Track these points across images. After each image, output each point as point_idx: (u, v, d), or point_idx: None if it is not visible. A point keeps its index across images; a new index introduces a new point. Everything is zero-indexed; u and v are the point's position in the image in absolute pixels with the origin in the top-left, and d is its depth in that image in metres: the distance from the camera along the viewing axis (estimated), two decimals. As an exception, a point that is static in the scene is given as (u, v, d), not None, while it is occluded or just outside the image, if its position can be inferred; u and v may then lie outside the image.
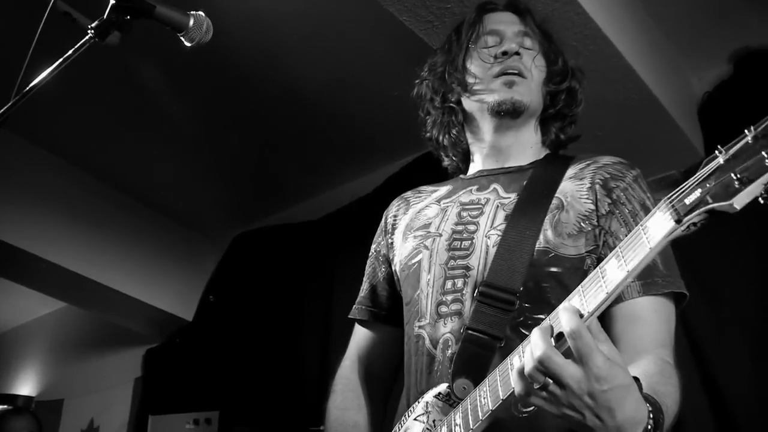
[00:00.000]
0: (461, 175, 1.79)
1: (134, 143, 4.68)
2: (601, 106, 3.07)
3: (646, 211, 1.43)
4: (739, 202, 0.89)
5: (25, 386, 7.11)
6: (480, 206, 1.59)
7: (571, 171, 1.58)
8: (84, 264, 4.87)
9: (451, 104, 1.73)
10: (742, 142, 0.90)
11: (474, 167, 1.76)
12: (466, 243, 1.52)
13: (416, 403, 1.42)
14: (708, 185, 0.92)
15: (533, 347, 1.06)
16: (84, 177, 4.99)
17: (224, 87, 4.08)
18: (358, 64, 3.79)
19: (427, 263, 1.56)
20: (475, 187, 1.66)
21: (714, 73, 3.60)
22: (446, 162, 1.84)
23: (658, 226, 0.98)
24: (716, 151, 0.92)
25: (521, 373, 1.08)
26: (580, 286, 1.10)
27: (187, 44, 1.65)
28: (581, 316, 1.04)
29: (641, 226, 1.01)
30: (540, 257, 1.43)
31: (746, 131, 0.89)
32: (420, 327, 1.53)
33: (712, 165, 0.92)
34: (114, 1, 1.56)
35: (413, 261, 1.60)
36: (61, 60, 1.57)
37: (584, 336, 1.01)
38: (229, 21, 3.36)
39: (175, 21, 1.64)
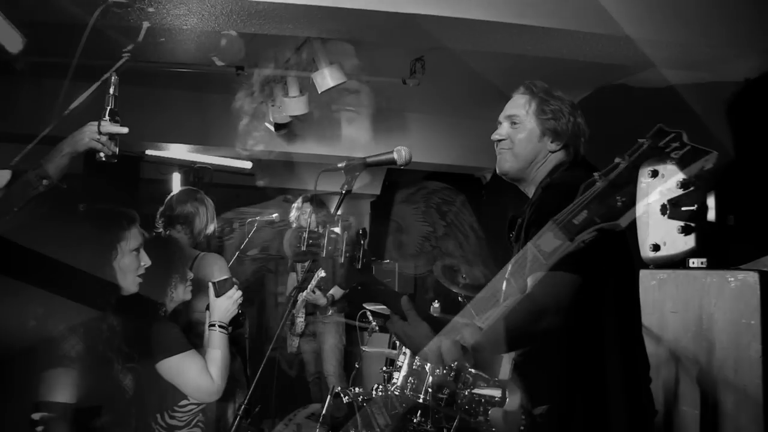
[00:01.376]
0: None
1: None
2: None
3: (474, 231, 1.61)
4: (624, 221, 0.99)
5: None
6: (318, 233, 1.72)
7: (399, 196, 1.73)
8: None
9: None
10: (618, 169, 1.01)
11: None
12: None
13: (283, 426, 1.55)
14: (593, 207, 1.02)
15: (445, 355, 1.16)
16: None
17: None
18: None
19: (273, 286, 1.72)
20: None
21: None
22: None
23: (551, 243, 1.06)
24: (595, 176, 1.03)
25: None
26: (474, 300, 1.18)
27: (219, 64, 1.69)
28: (480, 329, 1.14)
29: (533, 244, 1.09)
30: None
31: (620, 159, 1.01)
32: (272, 350, 1.67)
33: (594, 189, 1.03)
34: (149, 24, 1.61)
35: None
36: (99, 83, 1.62)
37: (485, 349, 1.14)
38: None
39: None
